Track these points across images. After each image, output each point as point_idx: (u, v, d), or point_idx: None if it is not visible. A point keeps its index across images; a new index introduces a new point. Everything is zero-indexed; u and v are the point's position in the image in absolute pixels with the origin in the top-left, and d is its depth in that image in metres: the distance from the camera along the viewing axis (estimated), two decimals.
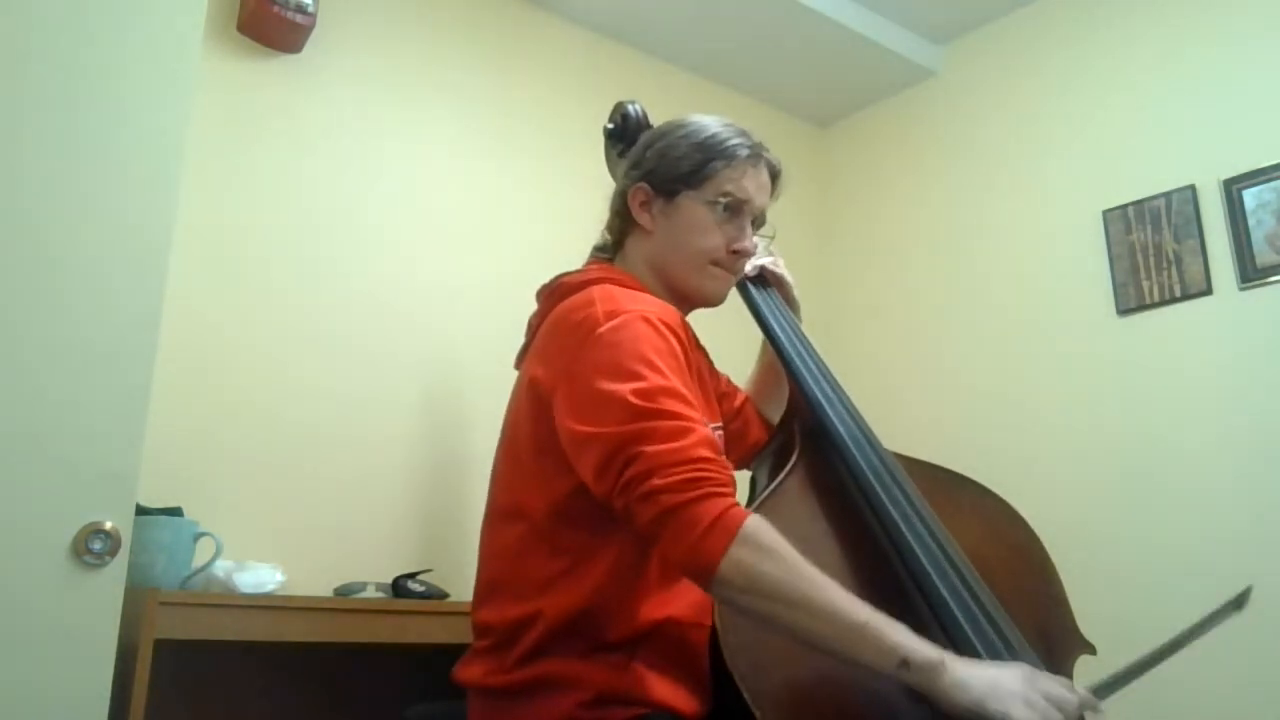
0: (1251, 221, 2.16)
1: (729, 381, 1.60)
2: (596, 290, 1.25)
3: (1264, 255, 2.13)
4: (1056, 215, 2.53)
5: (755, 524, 1.03)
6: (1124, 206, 2.38)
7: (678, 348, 1.19)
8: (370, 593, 1.79)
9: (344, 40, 2.22)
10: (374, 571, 1.88)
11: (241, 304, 1.97)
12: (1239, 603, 1.05)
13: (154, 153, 1.29)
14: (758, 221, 1.40)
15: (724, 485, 1.06)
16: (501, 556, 1.26)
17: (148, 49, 1.31)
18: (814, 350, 1.47)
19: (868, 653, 1.00)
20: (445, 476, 2.13)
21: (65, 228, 1.22)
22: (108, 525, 1.16)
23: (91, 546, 1.15)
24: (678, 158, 1.34)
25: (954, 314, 2.71)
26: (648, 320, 1.19)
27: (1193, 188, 2.26)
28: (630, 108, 1.63)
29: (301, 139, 2.12)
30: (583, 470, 1.15)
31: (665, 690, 1.17)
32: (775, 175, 1.41)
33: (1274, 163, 2.15)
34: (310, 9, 2.06)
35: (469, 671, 1.24)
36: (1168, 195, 2.30)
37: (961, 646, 1.15)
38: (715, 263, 1.36)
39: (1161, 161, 2.34)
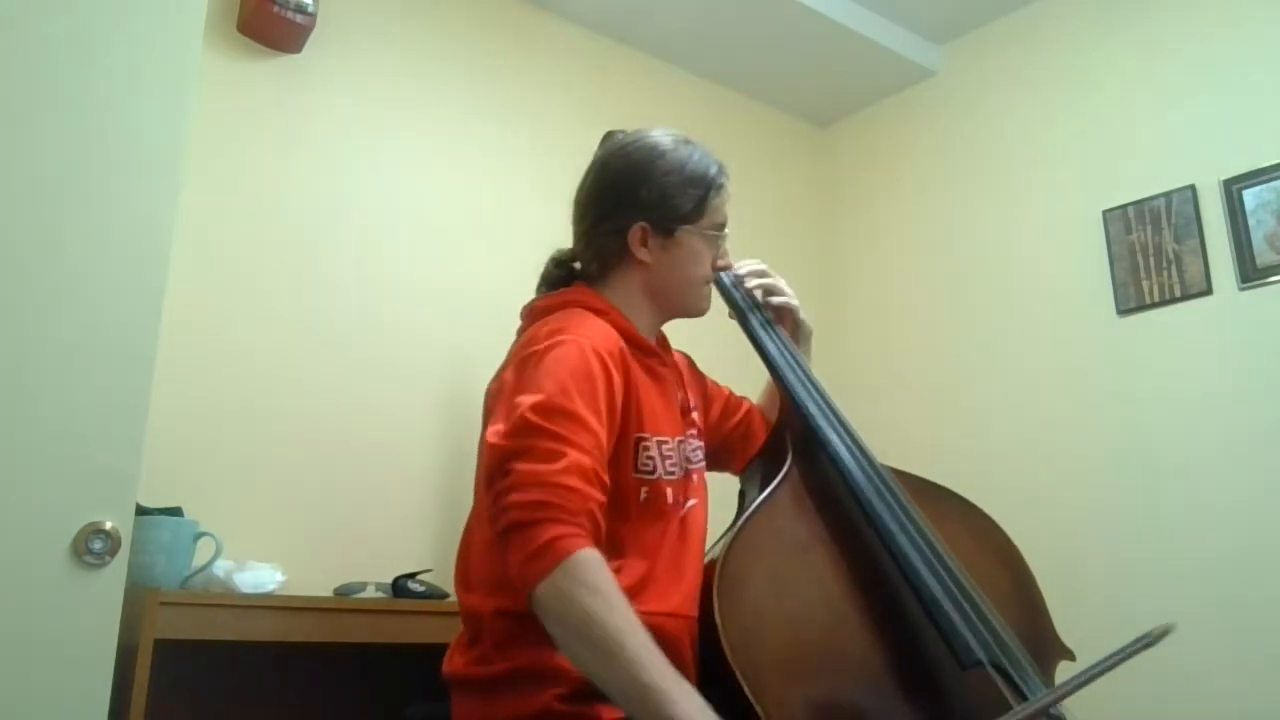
0: (1251, 221, 2.16)
1: (732, 394, 1.63)
2: (556, 315, 1.31)
3: (1264, 255, 2.13)
4: (1056, 215, 2.52)
5: (585, 558, 1.04)
6: (1124, 206, 2.38)
7: (600, 373, 1.22)
8: (370, 593, 1.79)
9: (344, 41, 2.22)
10: (374, 571, 1.88)
11: (242, 304, 1.97)
12: (1151, 639, 1.05)
13: (154, 152, 1.29)
14: None
15: (572, 514, 1.07)
16: (476, 551, 1.30)
17: (148, 49, 1.31)
18: (803, 359, 1.50)
19: (644, 718, 0.98)
20: (445, 477, 2.13)
21: (65, 228, 1.22)
22: (108, 525, 1.16)
23: (91, 546, 1.15)
24: (678, 197, 1.39)
25: (954, 313, 2.71)
26: (579, 345, 1.23)
27: (1193, 188, 2.26)
28: (621, 138, 1.65)
29: (301, 139, 2.12)
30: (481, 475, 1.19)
31: None
32: None
33: (1274, 163, 2.15)
34: (310, 9, 2.06)
35: (452, 663, 1.27)
36: (1168, 195, 2.30)
37: (955, 644, 1.16)
38: (706, 283, 1.44)
39: (1161, 161, 2.34)
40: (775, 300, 1.54)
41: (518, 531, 1.06)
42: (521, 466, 1.09)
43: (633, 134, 1.46)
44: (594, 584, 1.03)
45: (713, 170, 1.42)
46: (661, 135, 1.43)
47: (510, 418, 1.15)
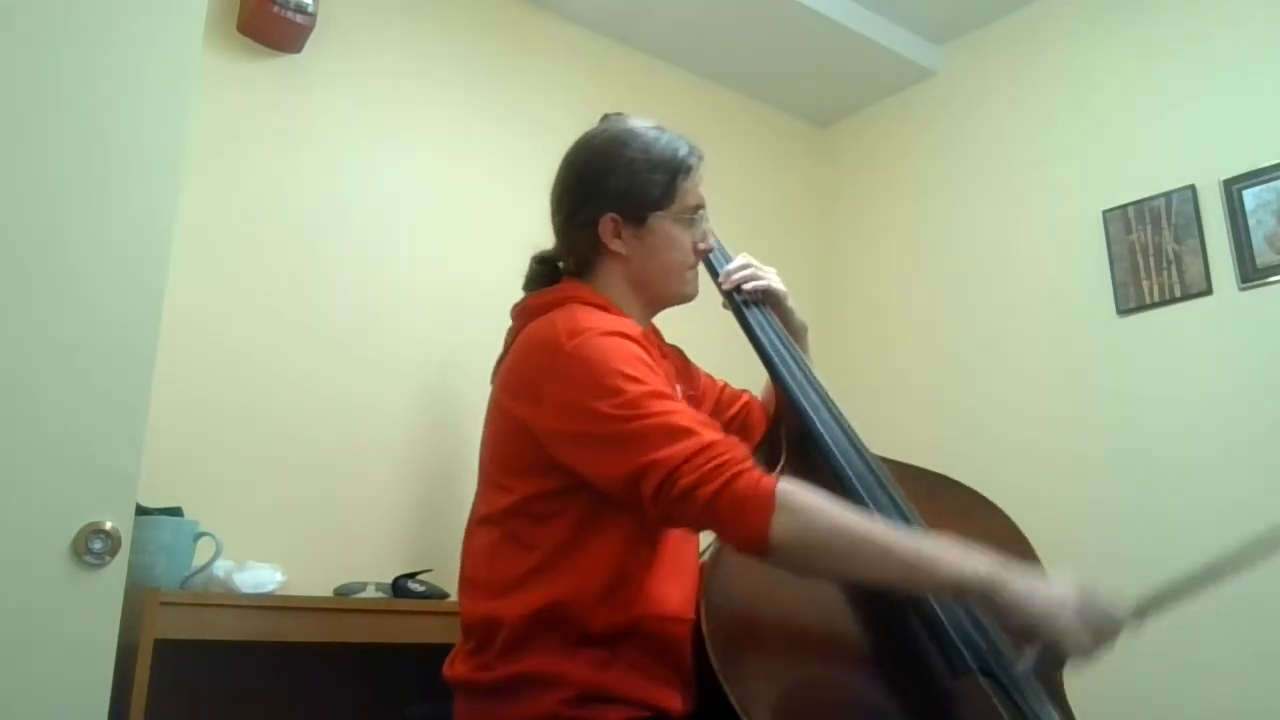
0: (1251, 221, 2.16)
1: (727, 387, 1.62)
2: (559, 312, 1.30)
3: (1264, 255, 2.13)
4: (1056, 215, 2.52)
5: (786, 488, 1.08)
6: (1124, 206, 2.38)
7: (644, 354, 1.23)
8: (370, 593, 1.79)
9: (344, 41, 2.22)
10: (374, 571, 1.88)
11: (242, 304, 1.97)
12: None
13: (154, 152, 1.29)
14: None
15: (742, 460, 1.10)
16: (479, 556, 1.30)
17: (148, 49, 1.31)
18: (799, 356, 1.48)
19: (925, 587, 1.11)
20: (445, 477, 2.13)
21: (65, 228, 1.22)
22: (108, 525, 1.16)
23: (91, 546, 1.15)
24: (644, 184, 1.37)
25: (954, 313, 2.71)
26: (609, 333, 1.23)
27: (1193, 188, 2.26)
28: (590, 131, 1.64)
29: (301, 139, 2.12)
30: (582, 469, 1.19)
31: (650, 688, 1.18)
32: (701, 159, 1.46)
33: (1274, 163, 2.15)
34: (310, 9, 2.06)
35: (454, 669, 1.26)
36: (1168, 195, 2.30)
37: (948, 651, 1.16)
38: (689, 267, 1.42)
39: (1161, 161, 2.34)
40: (747, 286, 1.52)
41: (712, 505, 1.08)
42: (660, 455, 1.10)
43: (603, 124, 1.45)
44: (814, 503, 1.08)
45: (681, 152, 1.39)
46: (632, 123, 1.42)
47: (589, 416, 1.15)
